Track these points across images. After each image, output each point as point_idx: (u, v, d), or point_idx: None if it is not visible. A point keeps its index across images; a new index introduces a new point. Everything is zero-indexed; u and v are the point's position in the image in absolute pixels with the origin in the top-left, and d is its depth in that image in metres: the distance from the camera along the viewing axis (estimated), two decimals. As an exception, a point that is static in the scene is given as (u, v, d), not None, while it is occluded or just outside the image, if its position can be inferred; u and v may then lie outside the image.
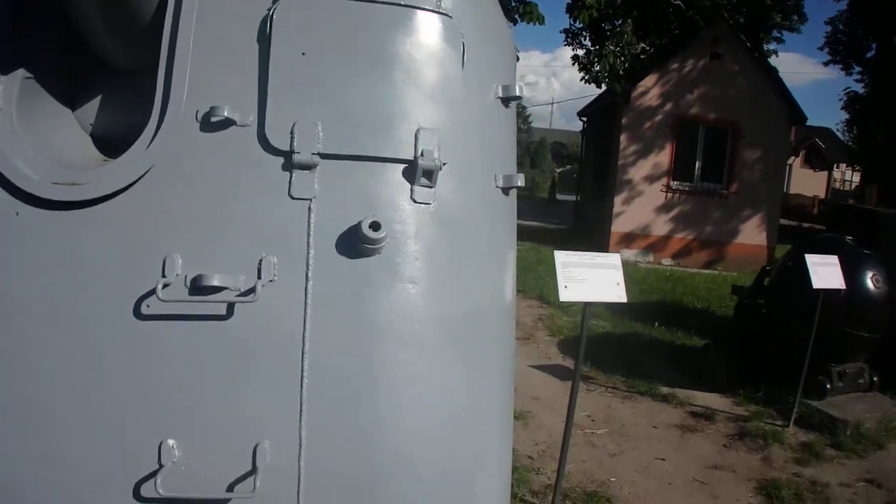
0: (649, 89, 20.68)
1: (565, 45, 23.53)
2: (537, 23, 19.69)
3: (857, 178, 39.86)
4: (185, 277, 1.73)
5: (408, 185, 1.86)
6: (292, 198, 1.78)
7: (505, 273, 2.23)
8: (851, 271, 7.57)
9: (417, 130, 1.87)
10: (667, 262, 20.71)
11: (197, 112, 1.78)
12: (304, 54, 1.81)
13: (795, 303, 7.91)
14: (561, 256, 4.96)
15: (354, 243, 1.78)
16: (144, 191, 1.76)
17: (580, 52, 20.94)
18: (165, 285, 1.68)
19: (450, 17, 1.96)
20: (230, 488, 1.71)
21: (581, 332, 5.20)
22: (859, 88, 35.08)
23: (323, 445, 1.75)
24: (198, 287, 1.72)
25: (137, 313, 1.72)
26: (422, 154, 1.85)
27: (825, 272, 7.24)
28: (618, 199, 20.98)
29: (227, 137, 1.78)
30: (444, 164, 1.88)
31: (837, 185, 53.56)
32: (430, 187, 1.88)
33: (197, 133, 1.78)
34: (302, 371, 1.74)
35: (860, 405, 7.91)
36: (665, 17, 22.07)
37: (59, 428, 1.72)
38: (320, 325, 1.76)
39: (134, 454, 1.70)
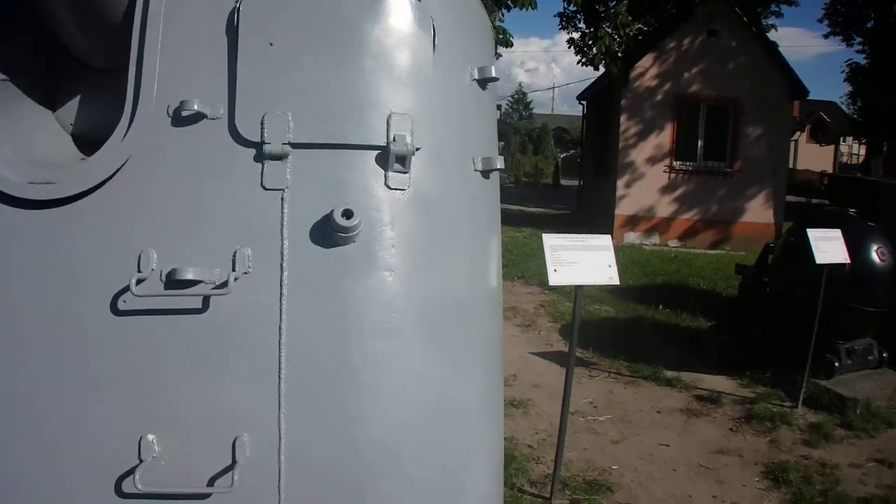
0: (647, 69, 20.47)
1: (560, 29, 23.34)
2: (530, 8, 19.55)
3: (864, 150, 39.48)
4: (161, 272, 1.73)
5: (381, 172, 1.83)
6: (265, 189, 1.77)
7: (489, 259, 2.18)
8: (855, 245, 7.34)
9: (389, 116, 1.83)
10: (673, 243, 20.54)
11: (168, 107, 1.78)
12: (272, 44, 1.80)
13: (799, 280, 7.69)
14: (549, 240, 4.82)
15: (329, 232, 1.75)
16: (118, 187, 1.76)
17: (575, 36, 20.80)
18: (139, 280, 1.69)
19: (419, 0, 1.92)
20: (210, 482, 1.71)
21: (574, 316, 5.03)
22: (861, 59, 34.81)
23: (303, 438, 1.73)
24: (173, 281, 1.72)
25: (114, 309, 1.72)
26: (394, 139, 1.82)
27: (828, 247, 7.02)
28: (620, 182, 20.79)
29: (198, 131, 1.78)
30: (417, 148, 1.85)
31: (845, 158, 53.20)
32: (405, 173, 1.85)
33: (168, 128, 1.78)
34: (280, 363, 1.73)
35: (870, 383, 7.71)
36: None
37: (39, 424, 1.74)
38: (297, 315, 1.74)
39: (114, 450, 1.71)
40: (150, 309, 1.72)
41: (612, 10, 20.49)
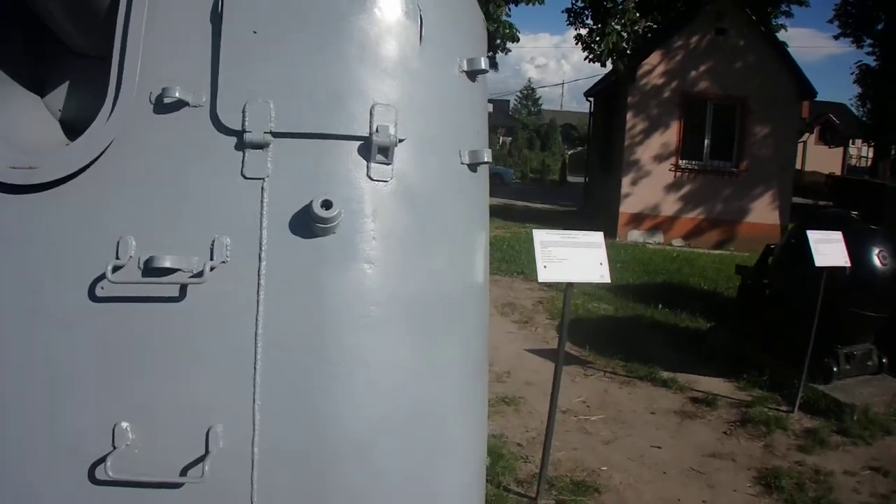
0: (654, 67, 20.35)
1: (568, 25, 23.25)
2: (537, 3, 19.48)
3: (872, 153, 39.23)
4: (139, 259, 1.72)
5: (364, 163, 1.81)
6: (245, 178, 1.75)
7: (474, 253, 2.16)
8: (857, 248, 7.20)
9: (373, 106, 1.81)
10: (677, 242, 20.42)
11: (150, 94, 1.76)
12: (255, 32, 1.78)
13: (799, 282, 7.55)
14: (540, 235, 4.73)
15: (308, 223, 1.74)
16: (98, 173, 1.76)
17: (583, 32, 20.67)
18: (116, 267, 1.69)
19: None
20: (183, 472, 1.71)
21: (563, 314, 4.93)
22: (871, 61, 34.55)
23: (277, 429, 1.72)
24: (150, 269, 1.71)
25: (92, 296, 1.72)
26: (377, 130, 1.79)
27: (828, 249, 6.90)
28: (626, 180, 20.70)
29: (180, 118, 1.77)
30: (400, 140, 1.83)
31: (853, 161, 52.89)
32: (387, 164, 1.82)
33: (150, 115, 1.76)
34: (255, 354, 1.72)
35: (868, 388, 7.57)
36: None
37: (13, 408, 1.74)
38: (273, 306, 1.73)
39: (88, 437, 1.70)
40: (128, 296, 1.71)
41: (620, 7, 20.37)
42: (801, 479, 5.86)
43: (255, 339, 1.71)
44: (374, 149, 1.79)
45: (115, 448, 1.69)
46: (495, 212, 24.86)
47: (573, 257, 4.71)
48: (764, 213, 20.19)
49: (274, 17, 1.79)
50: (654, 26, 24.41)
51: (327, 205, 1.69)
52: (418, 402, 1.89)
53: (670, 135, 20.43)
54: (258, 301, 1.72)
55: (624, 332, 9.89)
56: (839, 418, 7.07)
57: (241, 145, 1.75)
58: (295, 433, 1.74)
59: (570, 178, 45.15)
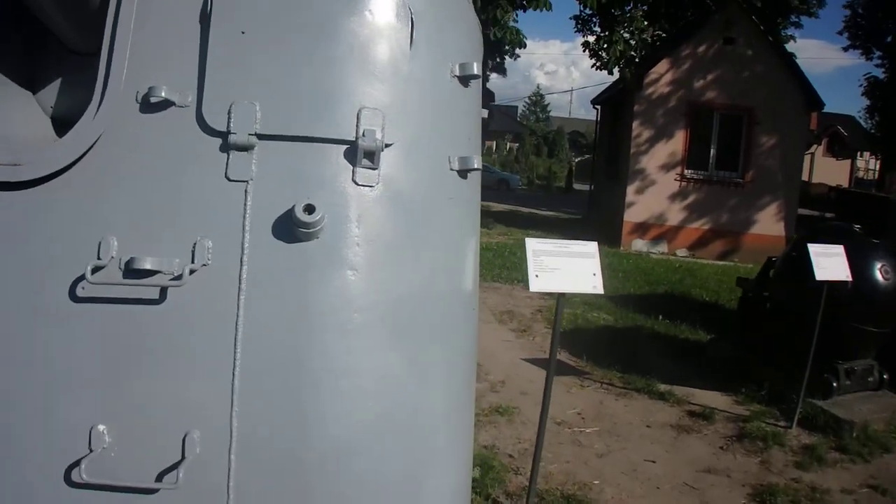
0: (662, 75, 20.28)
1: (575, 32, 23.29)
2: (545, 9, 19.45)
3: (880, 166, 39.09)
4: (120, 260, 1.69)
5: (349, 167, 1.77)
6: (229, 180, 1.73)
7: (463, 261, 2.11)
8: (858, 262, 7.09)
9: (360, 110, 1.78)
10: (681, 252, 20.33)
11: (137, 93, 1.74)
12: (243, 33, 1.76)
13: (799, 295, 7.45)
14: (532, 244, 4.62)
15: (291, 228, 1.71)
16: (82, 172, 1.73)
17: (591, 39, 20.63)
18: (97, 268, 1.66)
19: None
20: (159, 478, 1.68)
21: (554, 325, 4.82)
22: (880, 74, 34.43)
23: (255, 436, 1.69)
24: (131, 270, 1.68)
25: (73, 296, 1.69)
26: (363, 134, 1.76)
27: (829, 263, 6.79)
28: (630, 189, 20.63)
29: (166, 118, 1.75)
30: (387, 144, 1.80)
31: (861, 173, 52.71)
32: (373, 169, 1.79)
33: (136, 114, 1.75)
34: (234, 359, 1.68)
35: (868, 405, 7.46)
36: (676, 0, 21.62)
37: None
38: (254, 311, 1.70)
39: (66, 439, 1.68)
40: (108, 297, 1.69)
41: (628, 15, 20.33)
42: (797, 496, 5.76)
43: (235, 344, 1.68)
44: (360, 153, 1.76)
45: (91, 451, 1.66)
46: (500, 218, 25.01)
47: (566, 267, 4.60)
48: (769, 224, 20.07)
49: (263, 18, 1.77)
50: (663, 35, 24.34)
51: (310, 209, 1.67)
52: (402, 410, 1.86)
53: (676, 144, 20.34)
54: (239, 305, 1.69)
55: (622, 342, 9.78)
56: (838, 435, 6.96)
57: (226, 147, 1.73)
58: (274, 440, 1.70)
59: (577, 186, 45.15)
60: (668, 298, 12.93)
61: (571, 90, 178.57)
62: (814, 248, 6.79)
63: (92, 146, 1.73)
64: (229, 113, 1.72)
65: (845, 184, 42.96)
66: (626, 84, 20.42)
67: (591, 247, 4.78)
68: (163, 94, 1.72)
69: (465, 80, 2.06)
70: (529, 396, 7.50)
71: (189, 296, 1.69)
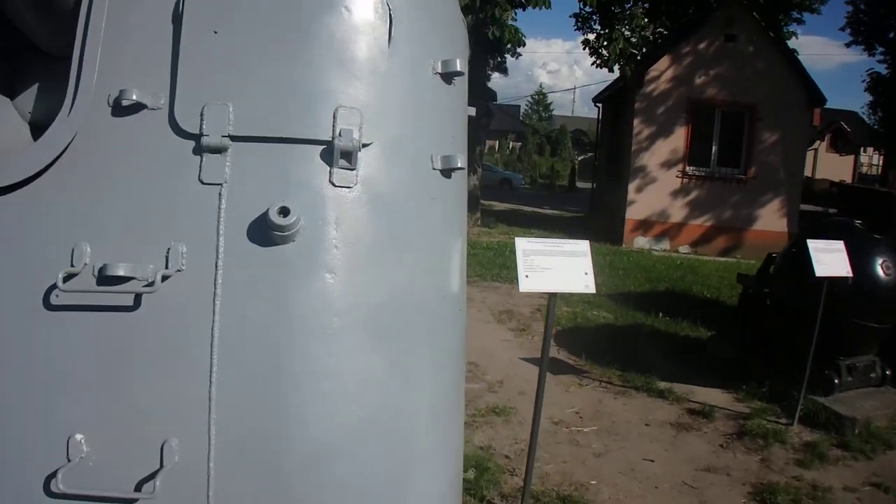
0: (662, 72, 20.19)
1: (575, 30, 23.26)
2: (543, 7, 19.38)
3: (883, 161, 38.97)
4: (94, 267, 1.67)
5: (326, 168, 1.74)
6: (202, 183, 1.70)
7: (448, 262, 2.09)
8: (859, 257, 7.00)
9: (336, 109, 1.75)
10: (684, 249, 20.24)
11: (109, 96, 1.72)
12: (216, 32, 1.73)
13: (800, 292, 7.35)
14: (522, 243, 4.54)
15: (267, 231, 1.68)
16: (54, 178, 1.72)
17: (591, 37, 20.55)
18: (69, 275, 1.65)
19: None
20: (137, 487, 1.66)
21: (546, 326, 4.75)
22: (882, 69, 34.30)
23: (234, 444, 1.67)
24: (104, 277, 1.66)
25: (47, 304, 1.67)
26: (340, 134, 1.72)
27: (829, 259, 6.71)
28: (632, 186, 20.55)
29: (138, 121, 1.72)
30: (365, 144, 1.77)
31: (864, 169, 52.58)
32: (351, 169, 1.76)
33: (108, 118, 1.72)
34: (211, 366, 1.66)
35: (870, 401, 7.37)
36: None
37: None
38: (230, 316, 1.67)
39: (43, 448, 1.66)
40: (83, 305, 1.66)
41: (628, 12, 20.25)
42: (798, 495, 5.68)
43: (212, 351, 1.65)
44: (336, 153, 1.72)
45: (69, 460, 1.63)
46: (502, 217, 24.95)
47: (557, 266, 4.53)
48: (772, 220, 19.97)
49: (236, 17, 1.74)
50: (664, 32, 24.25)
51: (284, 212, 1.64)
52: (384, 413, 1.82)
53: (678, 141, 20.25)
54: (214, 311, 1.66)
55: (622, 340, 9.70)
56: (840, 432, 6.88)
57: (199, 149, 1.69)
58: (253, 447, 1.68)
59: (580, 184, 45.09)
60: (668, 296, 12.84)
61: (574, 88, 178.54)
62: (813, 244, 6.70)
63: (63, 152, 1.70)
64: (202, 114, 1.69)
65: (849, 179, 42.84)
66: (627, 82, 20.33)
67: (583, 245, 4.70)
68: (134, 97, 1.69)
69: (447, 77, 2.01)
70: (527, 396, 7.41)
71: (164, 302, 1.66)
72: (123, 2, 1.76)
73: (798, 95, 19.66)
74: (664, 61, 20.27)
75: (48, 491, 1.65)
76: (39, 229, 1.70)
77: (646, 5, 21.95)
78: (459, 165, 2.02)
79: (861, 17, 34.31)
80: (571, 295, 10.19)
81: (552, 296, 4.67)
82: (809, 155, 26.78)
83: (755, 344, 8.37)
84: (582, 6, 20.90)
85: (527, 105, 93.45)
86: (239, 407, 1.67)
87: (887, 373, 7.70)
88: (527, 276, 4.45)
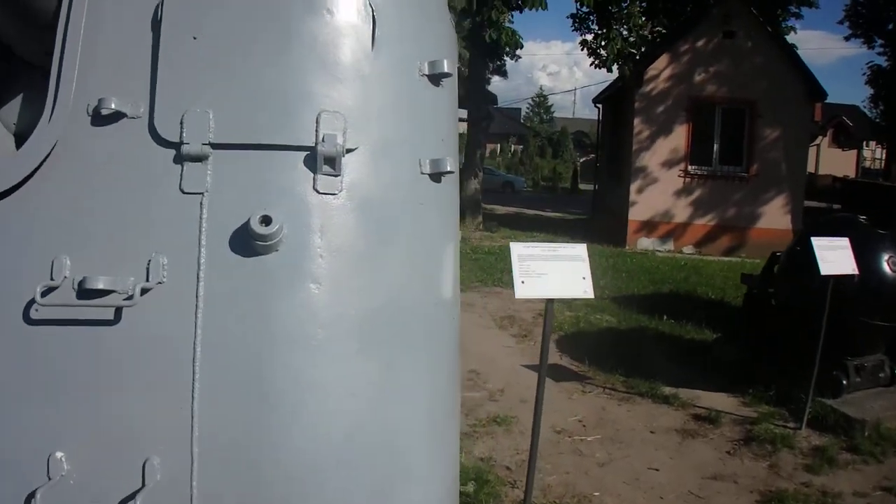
0: (661, 71, 20.07)
1: (573, 31, 23.21)
2: (540, 8, 19.33)
3: (886, 155, 38.84)
4: (73, 280, 1.63)
5: (310, 175, 1.71)
6: (183, 192, 1.66)
7: (439, 269, 2.05)
8: (865, 254, 6.86)
9: (319, 114, 1.71)
10: (688, 249, 20.09)
11: (88, 105, 1.69)
12: (195, 38, 1.70)
13: (805, 291, 7.21)
14: (517, 248, 4.41)
15: (249, 241, 1.64)
16: (33, 190, 1.68)
17: (589, 38, 20.48)
18: (48, 289, 1.61)
19: None
20: None
21: (544, 333, 4.60)
22: (882, 62, 34.19)
23: (217, 462, 1.62)
24: (84, 290, 1.62)
25: (27, 318, 1.64)
26: (323, 139, 1.69)
27: (834, 256, 6.56)
28: (634, 187, 20.43)
29: (118, 131, 1.69)
30: (349, 150, 1.73)
31: (868, 163, 52.43)
32: (335, 176, 1.71)
33: (87, 127, 1.69)
34: (193, 381, 1.61)
35: (880, 402, 7.21)
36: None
37: None
38: (213, 329, 1.63)
39: (23, 466, 1.62)
40: (63, 319, 1.63)
41: (625, 12, 20.16)
42: (807, 502, 5.53)
43: (194, 365, 1.61)
44: (320, 159, 1.69)
45: (49, 479, 1.60)
46: (504, 221, 24.81)
47: (553, 272, 4.39)
48: (776, 217, 19.80)
49: (215, 22, 1.70)
50: (663, 31, 24.14)
51: (266, 220, 1.60)
52: (373, 428, 1.78)
53: (679, 140, 20.12)
54: (196, 324, 1.62)
55: (626, 345, 9.54)
56: (849, 434, 6.72)
57: (180, 158, 1.66)
58: (236, 465, 1.64)
59: (582, 186, 45.00)
60: (672, 298, 12.69)
61: (574, 90, 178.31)
62: (818, 242, 6.56)
63: (42, 163, 1.67)
64: (182, 122, 1.65)
65: (852, 174, 42.71)
66: (626, 81, 20.23)
67: (580, 249, 4.56)
68: (113, 106, 1.66)
69: (435, 78, 1.96)
70: (529, 405, 7.20)
71: (145, 315, 1.63)
72: (102, 10, 1.72)
73: (798, 90, 19.52)
74: (663, 60, 20.15)
75: None
76: (19, 241, 1.67)
77: (643, 4, 21.86)
78: (449, 169, 1.97)
79: (860, 10, 34.24)
80: (574, 299, 10.04)
81: (549, 302, 4.53)
82: (812, 151, 26.61)
83: (761, 345, 8.22)
84: (579, 6, 20.89)
85: (528, 108, 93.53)
86: (222, 422, 1.63)
87: (896, 372, 7.51)
88: (523, 282, 4.32)
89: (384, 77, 1.83)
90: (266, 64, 1.71)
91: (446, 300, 2.07)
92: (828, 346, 6.70)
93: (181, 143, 1.65)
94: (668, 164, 20.21)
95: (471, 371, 8.15)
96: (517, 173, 52.42)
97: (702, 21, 20.15)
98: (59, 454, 1.62)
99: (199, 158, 1.66)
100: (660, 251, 19.78)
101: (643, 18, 20.79)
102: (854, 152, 48.28)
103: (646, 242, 20.33)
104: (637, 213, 20.43)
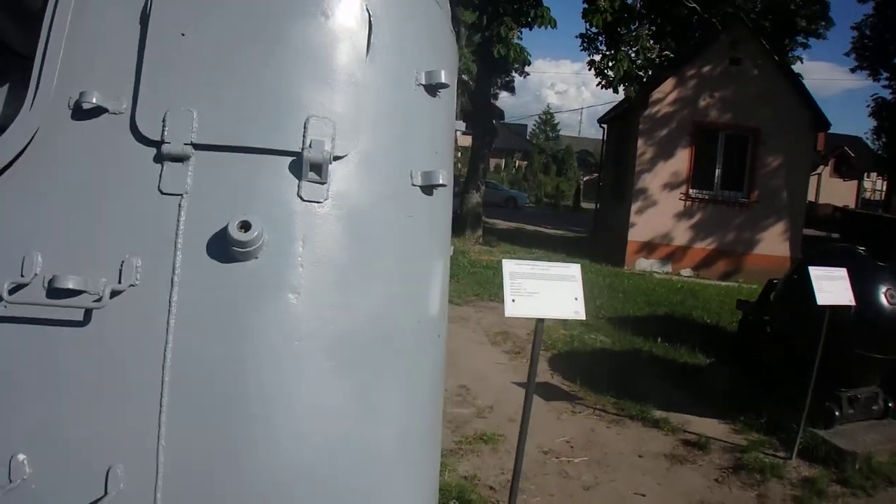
0: (667, 94, 20.09)
1: (581, 50, 23.29)
2: (549, 26, 19.39)
3: (886, 187, 38.93)
4: (44, 278, 1.58)
5: (294, 181, 1.64)
6: (162, 193, 1.60)
7: (427, 285, 1.98)
8: (863, 285, 6.81)
9: (307, 119, 1.65)
10: (686, 272, 20.05)
11: (70, 99, 1.64)
12: (183, 35, 1.64)
13: (801, 320, 7.13)
14: (509, 266, 4.35)
15: (227, 247, 1.58)
16: (8, 184, 1.63)
17: (597, 58, 20.50)
18: (14, 286, 1.56)
19: None
20: None
21: (532, 355, 4.56)
22: (887, 95, 34.29)
23: (183, 473, 1.56)
24: (54, 289, 1.56)
25: None
26: (310, 145, 1.63)
27: (831, 286, 6.50)
28: (634, 208, 20.40)
29: (98, 126, 1.63)
30: (336, 157, 1.67)
31: (868, 194, 52.52)
32: (321, 183, 1.65)
33: (68, 122, 1.64)
34: (162, 389, 1.55)
35: (872, 435, 7.13)
36: (682, 20, 21.50)
37: None
38: (185, 337, 1.57)
39: None
40: (31, 318, 1.57)
41: (634, 34, 20.19)
42: (794, 534, 5.44)
43: (163, 373, 1.55)
44: (305, 166, 1.63)
45: (10, 481, 1.54)
46: (504, 236, 24.80)
47: (545, 291, 4.34)
48: (774, 244, 19.79)
49: (206, 18, 1.65)
50: (671, 55, 24.18)
51: (245, 226, 1.54)
52: (347, 448, 1.70)
53: (681, 163, 20.11)
54: (168, 330, 1.56)
55: (619, 366, 9.46)
56: (840, 467, 6.63)
57: (160, 157, 1.60)
58: (203, 477, 1.57)
59: (585, 204, 45.08)
60: (668, 320, 12.63)
61: (581, 109, 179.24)
62: (815, 272, 6.50)
63: (18, 155, 1.62)
64: (164, 120, 1.60)
65: (852, 205, 42.75)
66: (632, 103, 20.24)
67: (573, 269, 4.51)
68: (94, 100, 1.60)
69: (431, 88, 1.91)
70: (517, 423, 7.06)
71: (115, 319, 1.57)
72: (91, 1, 1.67)
73: (802, 119, 19.55)
74: (669, 83, 20.16)
75: None
76: None
77: (652, 28, 21.90)
78: (441, 182, 1.91)
79: (866, 43, 34.37)
80: (543, 323, 9.98)
81: (540, 322, 4.47)
82: (813, 179, 26.65)
83: (754, 373, 8.15)
84: (588, 27, 20.86)
85: (534, 124, 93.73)
86: (189, 434, 1.57)
87: (890, 405, 7.47)
88: (513, 301, 4.26)
89: (378, 85, 1.78)
90: (256, 64, 1.66)
91: (432, 318, 2.01)
92: (821, 376, 6.63)
93: (162, 141, 1.61)
94: (670, 186, 20.19)
95: (461, 386, 8.09)
96: (521, 189, 52.54)
97: (709, 46, 20.14)
98: (21, 457, 1.56)
99: (180, 159, 1.61)
100: (658, 273, 19.73)
101: (651, 41, 20.80)
102: (855, 183, 48.39)
103: (644, 263, 20.29)
104: (637, 234, 20.39)
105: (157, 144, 1.61)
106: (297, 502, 1.64)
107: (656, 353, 10.38)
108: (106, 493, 1.54)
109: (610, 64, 19.39)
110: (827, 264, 6.81)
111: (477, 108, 23.75)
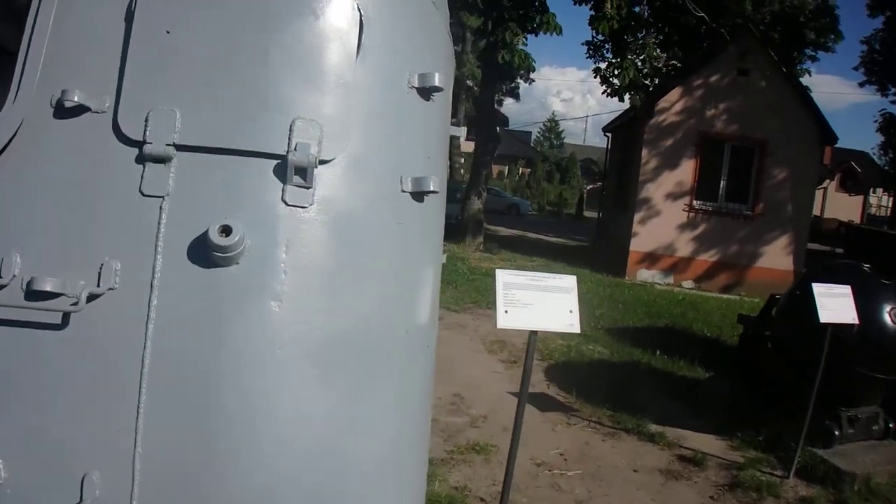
0: (673, 104, 19.95)
1: (587, 58, 23.26)
2: (554, 33, 19.33)
3: (892, 202, 38.86)
4: (22, 280, 1.56)
5: (279, 185, 1.62)
6: (143, 195, 1.58)
7: (416, 293, 1.96)
8: (867, 303, 6.65)
9: (293, 121, 1.63)
10: (687, 284, 19.93)
11: (52, 97, 1.62)
12: (168, 32, 1.63)
13: (802, 337, 7.00)
14: (502, 276, 4.25)
15: (208, 251, 1.56)
16: None
17: (603, 66, 20.45)
18: None
19: None
20: None
21: (525, 365, 4.46)
22: (895, 110, 34.26)
23: (160, 481, 1.54)
24: (32, 291, 1.55)
25: None
26: (295, 148, 1.61)
27: (834, 304, 6.37)
28: (638, 218, 20.27)
29: (81, 125, 1.62)
30: (322, 161, 1.64)
31: (874, 210, 52.44)
32: (306, 188, 1.63)
33: (50, 120, 1.62)
34: (139, 395, 1.53)
35: (872, 455, 6.99)
36: (690, 29, 21.44)
37: None
38: (163, 342, 1.55)
39: None
40: (7, 320, 1.56)
41: (640, 42, 20.12)
42: (790, 556, 5.31)
43: (141, 379, 1.53)
44: (290, 169, 1.60)
45: None
46: (505, 243, 24.70)
47: (539, 303, 4.23)
48: (778, 258, 19.65)
49: (191, 16, 1.63)
50: (678, 64, 24.10)
51: (226, 231, 1.52)
52: (329, 458, 1.68)
53: (685, 174, 19.98)
54: (146, 335, 1.54)
55: (616, 378, 9.32)
56: (838, 487, 6.49)
57: (142, 158, 1.58)
58: (178, 486, 1.55)
59: (587, 213, 45.03)
60: (668, 332, 12.49)
61: (586, 117, 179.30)
62: (818, 288, 6.37)
63: None
64: (146, 120, 1.58)
65: (857, 220, 42.68)
66: (637, 112, 20.14)
67: (570, 281, 4.40)
68: (76, 99, 1.59)
69: (425, 92, 1.89)
70: (511, 433, 7.08)
71: (93, 322, 1.55)
72: None
73: (809, 133, 19.42)
74: (675, 93, 20.05)
75: None
76: None
77: (659, 37, 21.83)
78: (432, 188, 1.87)
79: (875, 57, 34.33)
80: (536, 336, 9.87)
81: (533, 334, 4.36)
82: (818, 194, 26.51)
83: (754, 388, 8.02)
84: (595, 34, 20.79)
85: (539, 132, 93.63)
86: (166, 441, 1.55)
87: (891, 426, 7.33)
88: (506, 312, 4.17)
89: (368, 86, 1.74)
90: (242, 64, 1.63)
91: (421, 327, 1.98)
92: (822, 394, 6.49)
93: (144, 142, 1.58)
94: (674, 197, 20.07)
95: (455, 395, 7.97)
96: (523, 196, 52.52)
97: (717, 56, 20.05)
98: None
99: (162, 160, 1.58)
100: (659, 284, 19.61)
101: (658, 50, 20.71)
102: (860, 198, 48.34)
103: (646, 274, 20.17)
104: (639, 245, 20.27)
105: (140, 145, 1.58)
106: None
107: (655, 366, 10.24)
108: (81, 499, 1.52)
109: (616, 72, 19.33)
110: (831, 280, 6.68)
111: (481, 113, 23.69)
